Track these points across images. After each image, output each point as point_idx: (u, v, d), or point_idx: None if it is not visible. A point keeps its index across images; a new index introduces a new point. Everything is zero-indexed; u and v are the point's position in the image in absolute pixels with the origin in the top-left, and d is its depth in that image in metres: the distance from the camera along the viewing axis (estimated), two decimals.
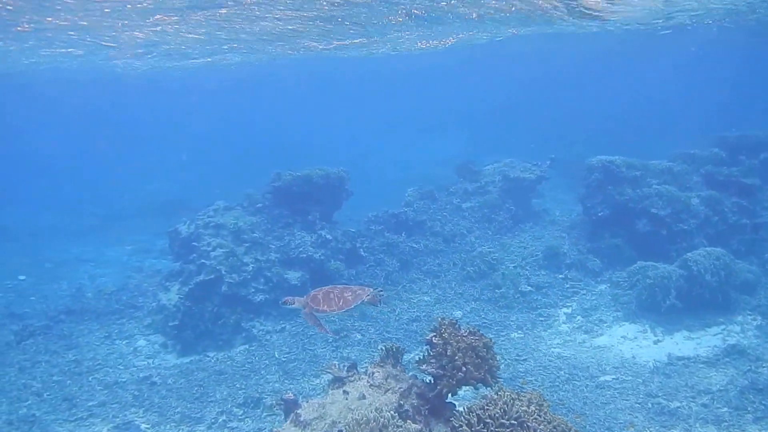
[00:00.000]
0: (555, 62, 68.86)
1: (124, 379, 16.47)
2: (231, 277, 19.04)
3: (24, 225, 41.70)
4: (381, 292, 10.86)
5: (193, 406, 14.80)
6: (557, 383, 15.20)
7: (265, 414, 14.35)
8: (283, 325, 19.06)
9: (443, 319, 7.98)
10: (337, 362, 9.08)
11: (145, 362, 17.75)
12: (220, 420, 14.21)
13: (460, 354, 7.57)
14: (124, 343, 19.24)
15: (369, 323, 19.29)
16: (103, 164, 66.54)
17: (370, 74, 70.68)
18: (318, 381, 15.69)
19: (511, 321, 19.27)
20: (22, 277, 28.40)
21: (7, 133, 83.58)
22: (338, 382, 8.72)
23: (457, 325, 7.95)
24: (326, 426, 7.93)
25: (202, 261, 19.52)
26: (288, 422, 8.38)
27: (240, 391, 15.35)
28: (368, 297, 10.53)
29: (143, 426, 14.13)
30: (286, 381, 15.83)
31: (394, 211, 26.16)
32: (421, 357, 8.11)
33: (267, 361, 16.98)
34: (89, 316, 21.47)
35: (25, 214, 45.09)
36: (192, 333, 18.28)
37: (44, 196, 50.34)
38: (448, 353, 7.62)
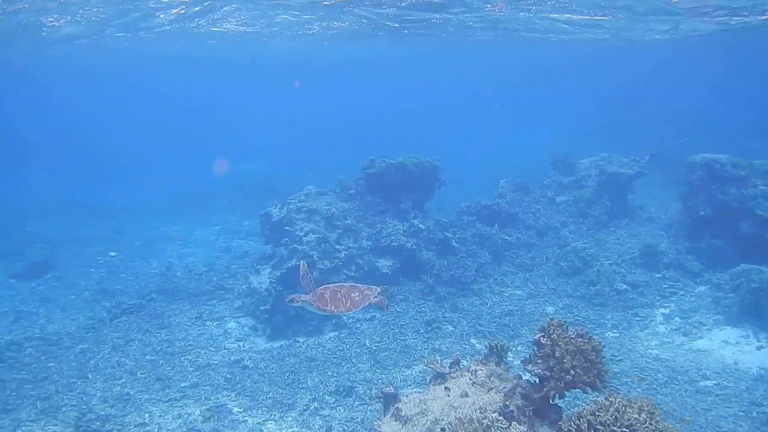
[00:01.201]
0: (653, 59, 67.13)
1: (215, 361, 17.02)
2: (323, 263, 19.39)
3: (116, 203, 43.34)
4: (387, 288, 10.94)
5: (285, 392, 15.20)
6: (655, 386, 15.02)
7: (357, 403, 14.62)
8: (373, 314, 19.34)
9: (551, 319, 8.00)
10: (439, 357, 9.21)
11: (236, 345, 18.30)
12: (312, 407, 14.55)
13: (569, 356, 7.59)
14: (214, 324, 19.88)
15: (461, 315, 19.42)
16: (193, 145, 68.43)
17: (465, 63, 70.31)
18: (409, 372, 15.92)
19: (606, 319, 19.11)
20: (113, 254, 29.56)
21: (105, 116, 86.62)
22: (440, 377, 8.86)
23: (565, 326, 7.97)
24: (428, 423, 8.07)
25: (295, 246, 19.95)
26: (389, 416, 8.56)
27: (331, 379, 15.69)
28: (376, 299, 10.66)
29: (235, 409, 14.60)
30: (377, 370, 16.09)
31: (486, 202, 26.19)
32: (527, 357, 8.15)
33: (358, 349, 17.28)
34: (180, 295, 22.24)
35: (117, 193, 46.82)
36: (282, 317, 18.73)
37: (137, 176, 52.20)
38: (556, 355, 7.65)
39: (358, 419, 13.96)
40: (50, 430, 13.91)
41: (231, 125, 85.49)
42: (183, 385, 15.80)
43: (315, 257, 19.42)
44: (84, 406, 14.72)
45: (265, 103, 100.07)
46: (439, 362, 9.01)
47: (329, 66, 67.01)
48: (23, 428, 13.97)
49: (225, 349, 18.02)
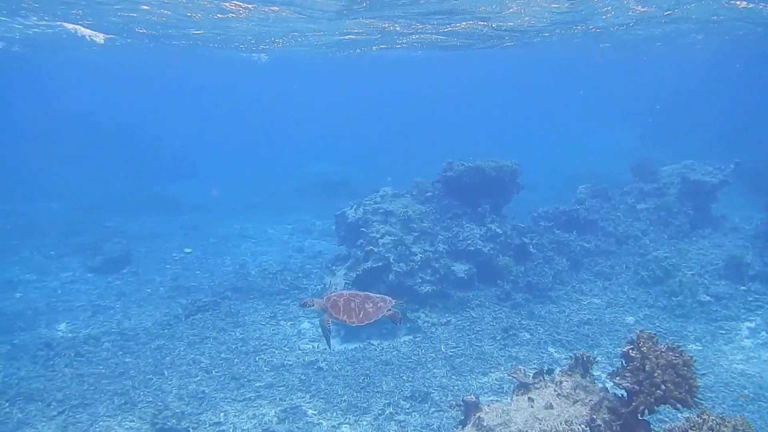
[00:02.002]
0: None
1: (290, 362, 17.31)
2: (399, 266, 19.56)
3: (190, 200, 44.40)
4: (401, 302, 11.00)
5: (360, 396, 15.37)
6: (741, 402, 14.74)
7: (433, 409, 14.71)
8: (448, 318, 19.44)
9: (641, 331, 7.95)
10: (522, 366, 9.23)
11: (310, 346, 18.57)
12: (387, 412, 14.68)
13: (660, 371, 7.54)
14: (288, 324, 20.21)
15: (538, 322, 19.37)
16: (266, 143, 69.56)
17: (535, 66, 69.71)
18: (486, 379, 15.93)
19: (689, 332, 18.81)
20: (188, 250, 30.27)
21: (180, 114, 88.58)
22: (523, 387, 8.89)
23: (655, 339, 7.92)
24: None
25: (371, 248, 20.14)
26: (470, 425, 8.64)
27: (407, 384, 15.81)
28: (389, 311, 10.68)
29: (310, 412, 14.83)
30: (453, 376, 16.15)
31: (564, 208, 26.02)
32: (614, 369, 8.12)
33: (433, 355, 17.37)
34: (254, 294, 22.69)
35: (192, 190, 47.98)
36: None
37: (210, 174, 53.41)
38: (646, 368, 7.60)
39: (434, 426, 14.03)
40: (127, 426, 14.33)
41: (303, 124, 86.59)
42: (258, 384, 16.12)
43: (391, 259, 19.60)
44: (160, 403, 15.14)
45: (339, 103, 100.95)
46: (522, 372, 9.04)
47: (402, 64, 67.25)
48: (101, 423, 14.42)
49: (299, 349, 18.30)
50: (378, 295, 10.96)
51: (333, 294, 10.78)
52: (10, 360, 18.30)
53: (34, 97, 72.68)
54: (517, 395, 8.81)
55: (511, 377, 9.10)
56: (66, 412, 14.89)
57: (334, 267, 21.57)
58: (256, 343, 18.67)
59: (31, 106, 66.72)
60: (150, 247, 31.48)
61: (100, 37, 38.20)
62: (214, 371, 16.85)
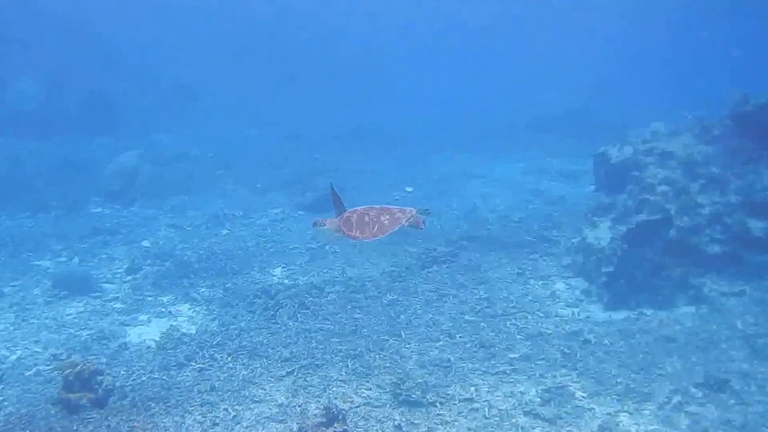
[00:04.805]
0: None
1: (548, 331, 15.99)
2: (681, 220, 17.77)
3: (402, 133, 44.05)
4: (426, 209, 10.51)
5: (639, 378, 13.85)
6: None
7: (733, 401, 13.00)
8: (742, 287, 17.38)
9: None
10: None
11: (568, 311, 17.20)
12: (675, 401, 13.05)
13: None
14: (539, 284, 18.94)
15: None
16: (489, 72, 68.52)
17: None
18: None
19: None
20: (409, 189, 29.80)
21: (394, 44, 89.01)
22: None
23: None
24: None
25: (645, 196, 18.42)
26: None
27: (697, 367, 14.08)
28: (408, 220, 10.21)
29: (578, 393, 13.49)
30: (755, 361, 14.28)
31: None
32: None
33: (727, 332, 15.49)
34: (495, 245, 21.56)
35: (402, 122, 47.69)
36: (626, 283, 17.32)
37: (423, 105, 52.92)
38: None
39: (737, 423, 12.31)
40: (365, 395, 13.53)
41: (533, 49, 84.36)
42: (511, 356, 14.92)
43: (672, 212, 17.81)
44: (399, 370, 14.28)
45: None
46: None
47: None
48: (335, 389, 13.74)
49: (556, 315, 16.94)
50: (396, 207, 10.59)
51: (346, 211, 10.63)
52: (225, 307, 18.24)
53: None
54: None
55: None
56: (295, 373, 14.33)
57: (594, 218, 19.96)
58: (504, 304, 17.48)
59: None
60: (365, 184, 30.96)
61: None
62: (458, 336, 15.82)
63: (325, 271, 20.66)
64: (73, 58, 45.84)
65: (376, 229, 10.25)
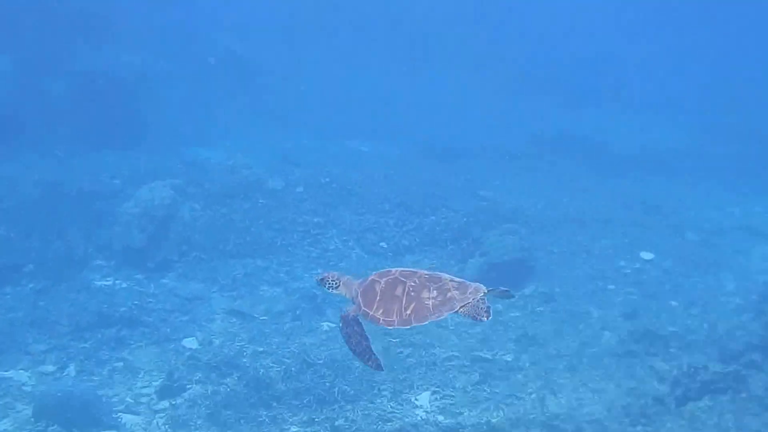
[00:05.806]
0: None
1: None
2: None
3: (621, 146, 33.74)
4: (505, 290, 6.28)
5: None
6: None
7: None
8: None
9: None
10: None
11: None
12: None
13: None
14: None
15: None
16: None
17: None
18: None
19: None
20: (647, 256, 20.05)
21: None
22: None
23: None
24: None
25: None
26: None
27: None
28: (464, 306, 5.96)
29: None
30: None
31: None
32: None
33: None
34: None
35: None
36: None
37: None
38: None
39: None
40: None
41: None
42: None
43: None
44: None
45: None
46: None
47: None
48: None
49: None
50: (451, 277, 6.31)
51: (375, 273, 6.55)
52: None
53: None
54: None
55: None
56: None
57: None
58: None
59: None
60: (565, 242, 21.27)
61: None
62: None
63: (508, 401, 12.68)
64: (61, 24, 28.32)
65: (409, 311, 6.13)
